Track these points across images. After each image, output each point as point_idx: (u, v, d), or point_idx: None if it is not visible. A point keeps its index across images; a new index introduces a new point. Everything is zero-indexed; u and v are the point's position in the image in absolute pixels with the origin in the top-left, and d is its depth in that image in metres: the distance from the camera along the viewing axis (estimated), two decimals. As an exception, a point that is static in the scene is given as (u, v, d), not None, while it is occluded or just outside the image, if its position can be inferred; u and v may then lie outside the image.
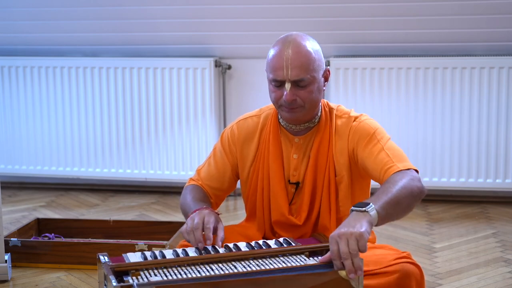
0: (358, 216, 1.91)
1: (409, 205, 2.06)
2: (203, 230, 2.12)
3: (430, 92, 4.33)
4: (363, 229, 1.85)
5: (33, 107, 4.82)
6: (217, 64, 4.62)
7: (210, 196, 2.42)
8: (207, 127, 4.62)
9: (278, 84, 2.22)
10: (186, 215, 2.29)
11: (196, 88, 4.60)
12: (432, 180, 4.39)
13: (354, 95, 4.39)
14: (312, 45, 2.24)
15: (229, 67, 4.66)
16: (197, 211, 2.19)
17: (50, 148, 4.84)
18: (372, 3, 4.31)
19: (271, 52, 2.24)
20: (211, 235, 2.11)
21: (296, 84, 2.20)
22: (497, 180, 4.35)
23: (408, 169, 2.13)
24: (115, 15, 4.60)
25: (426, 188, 2.11)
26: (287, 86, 2.20)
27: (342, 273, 1.84)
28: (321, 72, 2.26)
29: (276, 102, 2.25)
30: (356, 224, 1.87)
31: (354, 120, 2.30)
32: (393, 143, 2.26)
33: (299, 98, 2.21)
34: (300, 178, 2.33)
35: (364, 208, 1.92)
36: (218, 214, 2.23)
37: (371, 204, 1.94)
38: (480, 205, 4.46)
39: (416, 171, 2.15)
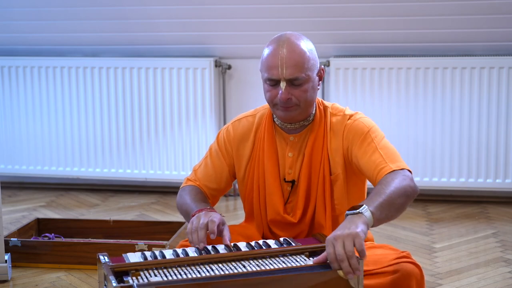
0: (353, 218, 1.92)
1: (403, 205, 2.06)
2: (207, 229, 2.11)
3: (430, 92, 4.33)
4: (358, 229, 1.86)
5: (33, 107, 4.82)
6: (217, 64, 4.62)
7: (208, 196, 2.42)
8: (207, 127, 4.62)
9: (273, 83, 2.23)
10: (187, 215, 2.30)
11: (196, 88, 4.60)
12: (432, 180, 4.39)
13: (354, 95, 4.39)
14: (306, 45, 2.25)
15: (229, 67, 4.66)
16: (204, 211, 2.20)
17: (50, 148, 4.84)
18: (372, 3, 4.31)
19: (266, 52, 2.25)
20: (215, 228, 2.10)
21: (291, 83, 2.21)
22: (497, 180, 4.35)
23: (401, 169, 2.14)
24: (115, 15, 4.60)
25: (418, 187, 2.13)
26: (282, 85, 2.21)
27: (341, 272, 1.85)
28: (316, 71, 2.26)
29: (271, 101, 2.26)
30: (351, 225, 1.88)
31: (349, 118, 2.31)
32: (387, 141, 2.27)
33: (294, 97, 2.22)
34: (295, 176, 2.34)
35: (357, 210, 1.94)
36: (223, 216, 2.23)
37: (364, 205, 1.95)
38: (480, 205, 4.46)
39: (409, 171, 2.16)
